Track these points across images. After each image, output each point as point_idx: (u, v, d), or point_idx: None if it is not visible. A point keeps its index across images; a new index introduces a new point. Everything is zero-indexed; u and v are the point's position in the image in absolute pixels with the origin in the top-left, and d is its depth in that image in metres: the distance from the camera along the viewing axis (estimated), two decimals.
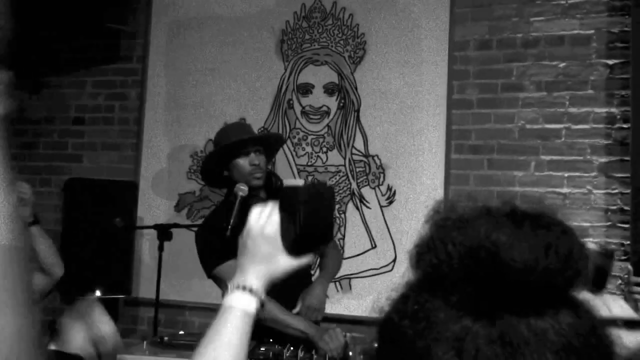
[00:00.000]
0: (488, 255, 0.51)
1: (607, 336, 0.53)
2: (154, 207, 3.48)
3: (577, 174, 3.00)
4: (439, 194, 3.13)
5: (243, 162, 2.21)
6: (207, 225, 2.23)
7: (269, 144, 2.31)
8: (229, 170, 2.25)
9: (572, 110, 3.04)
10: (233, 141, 2.24)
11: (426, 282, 0.53)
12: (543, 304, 0.51)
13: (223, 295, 2.08)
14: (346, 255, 3.16)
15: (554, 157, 3.03)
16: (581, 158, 3.01)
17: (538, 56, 3.09)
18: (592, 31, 3.03)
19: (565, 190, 3.01)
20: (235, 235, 1.91)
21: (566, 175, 3.02)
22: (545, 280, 0.51)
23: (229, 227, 2.04)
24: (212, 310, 3.20)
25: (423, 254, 0.54)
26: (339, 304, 3.15)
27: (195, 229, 2.36)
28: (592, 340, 0.51)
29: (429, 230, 0.55)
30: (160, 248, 2.53)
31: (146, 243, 3.49)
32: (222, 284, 2.17)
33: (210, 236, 2.14)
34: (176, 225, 2.63)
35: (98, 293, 3.11)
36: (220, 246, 2.08)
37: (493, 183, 3.09)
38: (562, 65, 3.06)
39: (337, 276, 2.93)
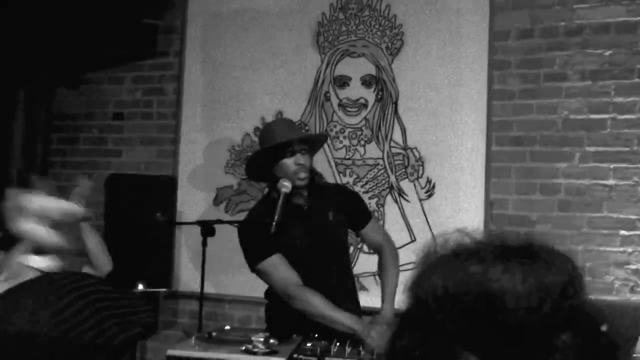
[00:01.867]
0: (480, 299, 0.51)
1: None
2: (192, 201, 3.50)
3: (623, 165, 2.98)
4: (480, 186, 3.13)
5: (289, 162, 2.24)
6: (251, 220, 2.27)
7: (312, 142, 2.35)
8: (273, 167, 2.29)
9: (618, 99, 3.01)
10: (281, 142, 2.27)
11: (418, 319, 0.54)
12: (536, 348, 0.51)
13: (267, 289, 2.10)
14: None
15: (599, 149, 3.02)
16: (627, 149, 2.98)
17: (582, 44, 3.06)
18: (639, 18, 2.98)
19: (610, 182, 2.99)
20: (279, 231, 2.08)
21: (612, 166, 3.00)
22: (539, 324, 0.51)
23: (274, 223, 2.10)
24: (251, 303, 3.14)
25: (414, 290, 0.55)
26: (378, 298, 3.07)
27: (237, 224, 2.41)
28: None
29: (422, 267, 0.56)
30: (204, 244, 2.54)
31: (185, 237, 3.51)
32: (266, 278, 2.21)
33: (254, 231, 2.19)
34: (219, 222, 2.60)
35: (140, 287, 3.17)
36: (264, 241, 2.14)
37: (535, 175, 3.09)
38: (607, 53, 3.03)
39: (374, 271, 2.96)
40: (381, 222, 3.18)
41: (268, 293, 2.33)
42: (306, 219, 2.26)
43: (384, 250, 2.41)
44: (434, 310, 0.52)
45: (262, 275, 2.23)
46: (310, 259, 2.24)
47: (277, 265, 2.17)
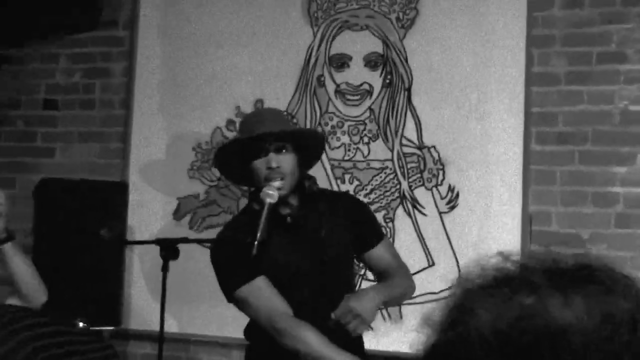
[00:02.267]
0: (541, 338, 0.52)
1: None
2: (148, 214, 3.48)
3: None
4: (516, 196, 3.06)
5: (259, 164, 2.21)
6: (228, 238, 2.27)
7: (297, 140, 2.28)
8: (249, 170, 2.27)
9: None
10: (241, 138, 2.27)
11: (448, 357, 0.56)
12: None
13: (248, 325, 2.20)
14: None
15: None
16: None
17: None
18: None
19: None
20: (263, 252, 2.07)
21: None
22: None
23: (255, 243, 2.07)
24: (225, 346, 3.08)
25: (448, 328, 0.57)
26: (387, 337, 3.10)
27: (209, 244, 2.44)
28: None
29: (458, 300, 0.58)
30: (164, 268, 2.46)
31: (139, 260, 3.49)
32: (248, 308, 2.22)
33: (232, 252, 2.18)
34: (185, 240, 2.56)
35: (81, 324, 3.10)
36: (244, 263, 2.15)
37: (586, 182, 3.04)
38: None
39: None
40: (390, 240, 3.07)
41: (249, 331, 2.34)
42: (293, 234, 2.25)
43: (393, 273, 2.40)
44: (480, 354, 0.53)
45: (242, 305, 2.23)
46: (301, 286, 2.24)
47: (262, 290, 2.18)
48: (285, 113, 3.24)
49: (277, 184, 2.18)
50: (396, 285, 2.35)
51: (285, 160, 2.22)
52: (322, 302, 2.23)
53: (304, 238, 2.27)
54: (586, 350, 0.52)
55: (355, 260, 2.48)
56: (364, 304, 2.16)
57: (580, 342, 0.52)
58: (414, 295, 2.96)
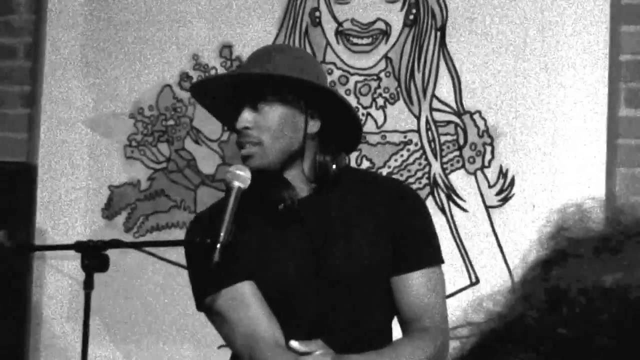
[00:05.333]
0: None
1: None
2: (64, 210, 3.20)
3: None
4: (598, 180, 2.80)
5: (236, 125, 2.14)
6: (199, 231, 2.17)
7: (317, 105, 2.11)
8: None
9: None
10: (200, 81, 2.47)
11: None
12: None
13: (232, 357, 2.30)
14: None
15: None
16: None
17: None
18: None
19: None
20: (229, 256, 2.06)
21: None
22: None
23: (218, 245, 1.96)
24: None
25: (545, 283, 0.56)
26: None
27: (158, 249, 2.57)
28: None
29: (552, 256, 0.57)
30: (88, 285, 2.28)
31: (53, 275, 3.20)
32: (222, 326, 2.15)
33: (201, 248, 2.10)
34: (117, 244, 2.40)
35: None
36: (207, 269, 2.08)
37: None
38: None
39: None
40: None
41: None
42: (288, 231, 2.13)
43: (417, 329, 2.17)
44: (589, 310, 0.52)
45: (214, 317, 2.16)
46: (297, 306, 2.12)
47: (244, 301, 2.10)
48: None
49: (245, 150, 2.06)
50: (406, 355, 2.10)
51: (263, 119, 2.05)
52: (327, 336, 2.05)
53: (305, 239, 2.12)
54: None
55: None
56: None
57: None
58: (452, 327, 2.84)
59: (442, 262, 2.28)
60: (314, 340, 2.01)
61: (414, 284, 2.12)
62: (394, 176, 2.94)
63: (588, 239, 0.57)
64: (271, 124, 2.05)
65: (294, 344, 2.01)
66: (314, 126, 2.10)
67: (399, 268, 2.12)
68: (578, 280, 0.53)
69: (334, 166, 2.07)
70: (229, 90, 2.14)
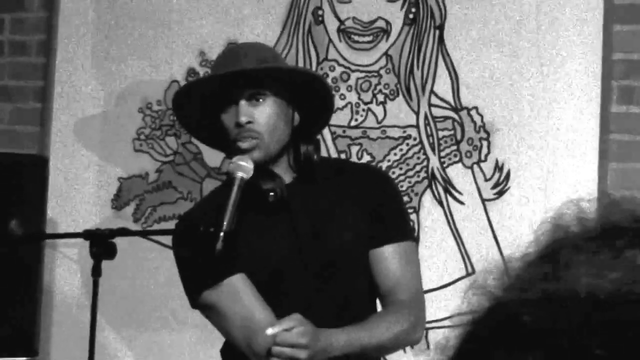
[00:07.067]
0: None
1: None
2: (75, 200, 3.25)
3: None
4: (590, 175, 2.84)
5: (228, 120, 2.14)
6: (191, 224, 2.20)
7: (294, 90, 2.19)
8: (221, 128, 2.21)
9: None
10: (199, 79, 2.49)
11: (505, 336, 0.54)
12: None
13: (224, 345, 2.31)
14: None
15: None
16: None
17: None
18: None
19: None
20: (235, 245, 2.10)
21: None
22: None
23: (221, 233, 1.99)
24: None
25: (530, 282, 0.56)
26: None
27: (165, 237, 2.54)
28: None
29: (546, 249, 0.57)
30: (96, 272, 2.34)
31: (63, 263, 3.25)
32: (218, 319, 2.19)
33: (197, 242, 2.14)
34: (125, 233, 2.45)
35: None
36: (211, 258, 2.10)
37: None
38: None
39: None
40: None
41: (226, 351, 2.27)
42: (278, 219, 2.19)
43: (392, 302, 2.24)
44: (569, 323, 0.51)
45: (210, 313, 2.20)
46: (288, 293, 2.18)
47: (238, 294, 2.13)
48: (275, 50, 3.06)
49: (246, 144, 2.09)
50: (382, 329, 2.17)
51: (261, 113, 2.10)
52: (318, 317, 2.11)
53: (294, 226, 2.19)
54: None
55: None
56: (318, 344, 2.04)
57: None
58: (447, 315, 2.87)
59: (414, 239, 2.41)
60: (292, 315, 2.05)
61: (387, 257, 2.20)
62: (393, 170, 3.01)
63: (585, 237, 0.55)
64: (269, 118, 2.11)
65: (269, 331, 2.05)
66: (296, 118, 2.18)
67: (373, 242, 2.20)
68: (574, 281, 0.52)
69: (315, 156, 2.16)
70: (204, 98, 2.18)
